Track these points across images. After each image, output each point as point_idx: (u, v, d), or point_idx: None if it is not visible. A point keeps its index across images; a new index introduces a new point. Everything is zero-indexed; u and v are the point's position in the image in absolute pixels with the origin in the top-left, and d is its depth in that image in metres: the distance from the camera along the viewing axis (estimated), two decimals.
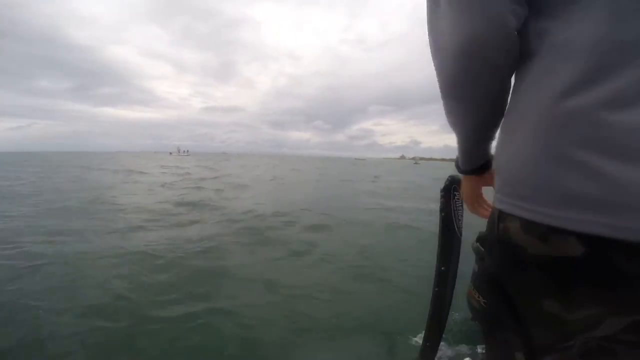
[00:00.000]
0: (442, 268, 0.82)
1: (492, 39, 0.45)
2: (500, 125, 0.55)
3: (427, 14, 0.53)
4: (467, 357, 1.17)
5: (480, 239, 0.62)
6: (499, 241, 0.53)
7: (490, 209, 0.62)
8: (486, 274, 0.59)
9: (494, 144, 0.61)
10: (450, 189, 0.88)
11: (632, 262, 0.41)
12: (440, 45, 0.51)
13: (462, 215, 0.91)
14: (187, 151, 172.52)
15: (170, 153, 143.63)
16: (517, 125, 0.50)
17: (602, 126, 0.39)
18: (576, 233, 0.42)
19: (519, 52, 0.48)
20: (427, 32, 0.54)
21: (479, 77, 0.49)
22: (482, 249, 0.60)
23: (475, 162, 0.69)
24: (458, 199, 0.87)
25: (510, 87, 0.52)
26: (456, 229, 0.88)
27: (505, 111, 0.54)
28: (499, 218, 0.53)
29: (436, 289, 0.78)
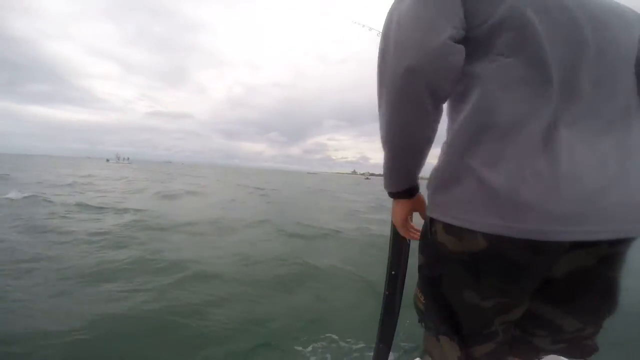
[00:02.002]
0: (393, 272, 0.85)
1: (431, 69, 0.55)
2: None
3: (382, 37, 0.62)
4: (417, 358, 1.03)
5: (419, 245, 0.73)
6: (430, 243, 0.66)
7: (417, 232, 0.82)
8: (422, 273, 0.71)
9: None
10: None
11: (522, 255, 0.55)
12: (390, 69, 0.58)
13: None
14: (129, 159, 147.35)
15: (108, 160, 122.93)
16: (443, 147, 0.64)
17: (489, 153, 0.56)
18: (481, 232, 0.56)
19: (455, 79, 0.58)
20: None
21: (418, 99, 0.58)
22: (420, 253, 0.72)
23: (401, 184, 0.75)
24: None
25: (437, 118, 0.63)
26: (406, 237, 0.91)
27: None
28: (430, 224, 0.66)
29: (387, 293, 0.81)
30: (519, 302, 0.63)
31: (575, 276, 0.61)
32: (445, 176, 0.61)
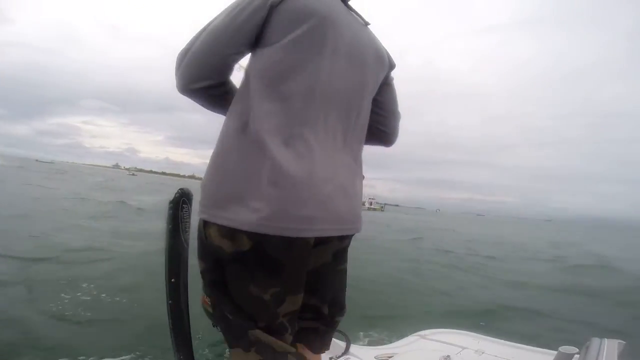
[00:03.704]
0: (172, 280, 0.83)
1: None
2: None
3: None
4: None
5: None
6: (207, 247, 0.71)
7: None
8: (206, 278, 0.74)
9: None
10: (180, 202, 0.90)
11: (280, 251, 0.67)
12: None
13: (189, 227, 0.93)
14: None
15: None
16: (215, 150, 0.73)
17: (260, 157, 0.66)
18: (246, 232, 0.65)
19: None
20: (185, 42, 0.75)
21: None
22: (199, 259, 0.74)
23: None
24: (186, 211, 0.90)
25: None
26: (183, 240, 0.90)
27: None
28: (204, 227, 0.72)
29: (170, 302, 0.78)
30: (291, 294, 0.73)
31: (321, 269, 0.80)
32: (216, 178, 0.71)
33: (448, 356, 1.25)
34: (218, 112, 0.83)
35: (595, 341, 0.83)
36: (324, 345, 0.89)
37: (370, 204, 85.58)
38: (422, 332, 1.65)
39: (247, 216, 0.64)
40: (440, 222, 42.69)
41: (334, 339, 1.32)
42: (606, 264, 10.67)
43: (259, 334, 0.70)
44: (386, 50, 0.90)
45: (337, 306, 0.87)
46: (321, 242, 0.76)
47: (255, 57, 0.74)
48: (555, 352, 0.89)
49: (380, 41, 0.89)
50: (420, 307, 4.91)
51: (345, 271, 0.87)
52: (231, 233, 0.66)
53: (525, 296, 6.14)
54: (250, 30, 0.70)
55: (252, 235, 0.65)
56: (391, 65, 0.92)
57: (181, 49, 0.75)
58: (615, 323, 4.69)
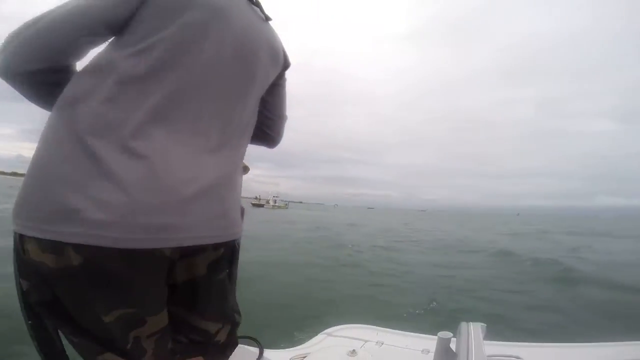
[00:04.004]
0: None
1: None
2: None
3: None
4: None
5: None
6: (26, 263, 0.58)
7: None
8: (33, 298, 0.60)
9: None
10: None
11: (122, 265, 0.57)
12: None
13: None
14: None
15: None
16: (37, 150, 0.61)
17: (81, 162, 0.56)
18: (72, 245, 0.54)
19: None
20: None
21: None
22: (21, 277, 0.61)
23: None
24: None
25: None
26: None
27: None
28: (20, 241, 0.58)
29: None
30: (148, 313, 0.63)
31: (194, 282, 0.71)
32: (35, 183, 0.59)
33: (354, 350, 1.30)
34: (43, 106, 0.69)
35: (464, 325, 0.96)
36: None
37: (275, 202, 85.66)
38: (329, 330, 1.72)
39: (73, 227, 0.54)
40: (340, 216, 45.33)
41: (246, 346, 1.31)
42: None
43: (109, 357, 0.63)
44: (284, 49, 0.86)
45: (225, 321, 0.79)
46: (191, 252, 0.68)
47: (115, 45, 0.64)
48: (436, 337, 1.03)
49: (281, 39, 0.86)
50: (332, 304, 5.10)
51: (224, 281, 0.78)
52: (55, 247, 0.55)
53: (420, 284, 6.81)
54: (120, 13, 0.62)
55: (80, 249, 0.55)
56: (286, 65, 0.89)
57: (16, 27, 0.62)
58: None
